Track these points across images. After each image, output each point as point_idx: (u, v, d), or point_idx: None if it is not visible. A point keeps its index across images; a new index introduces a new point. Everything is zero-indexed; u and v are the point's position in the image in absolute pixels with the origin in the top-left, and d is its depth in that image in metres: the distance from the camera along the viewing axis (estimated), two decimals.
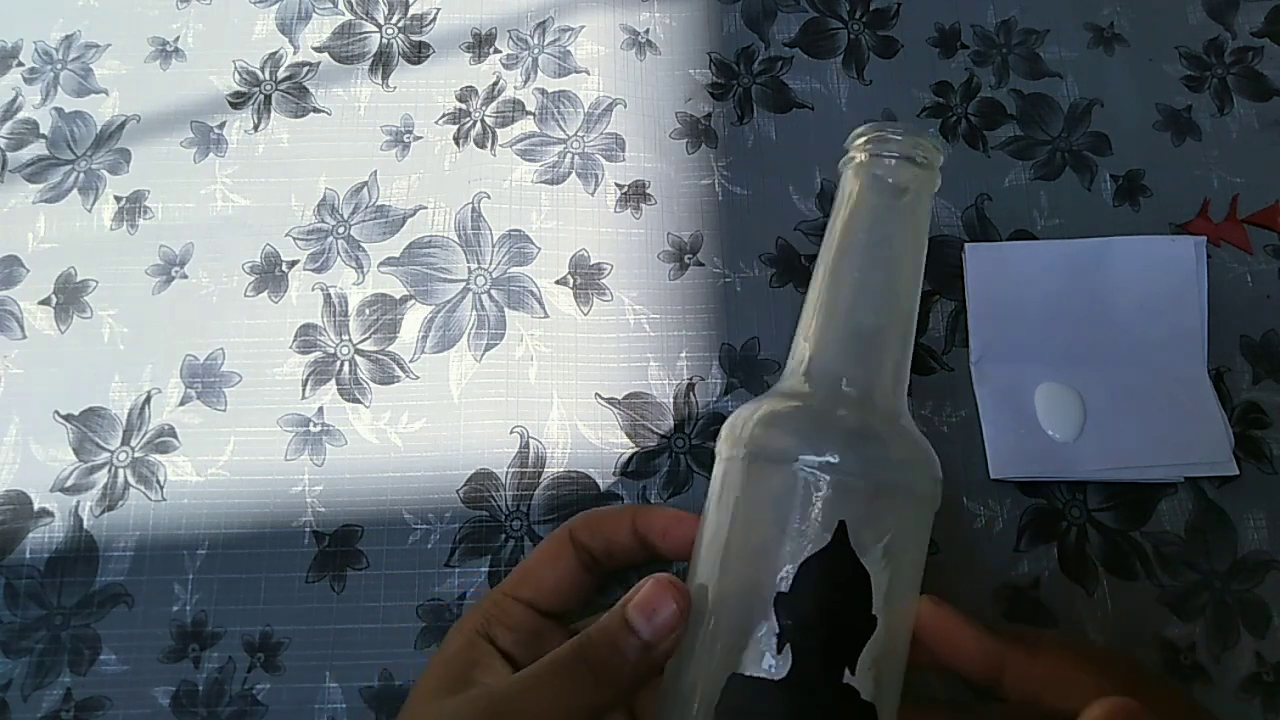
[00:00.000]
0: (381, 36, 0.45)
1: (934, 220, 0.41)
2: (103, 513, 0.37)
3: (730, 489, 0.26)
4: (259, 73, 0.44)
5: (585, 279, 0.41)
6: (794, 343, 0.29)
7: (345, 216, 0.42)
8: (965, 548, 0.37)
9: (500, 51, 0.45)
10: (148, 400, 0.39)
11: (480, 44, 0.45)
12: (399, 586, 0.36)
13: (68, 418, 0.39)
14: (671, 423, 0.38)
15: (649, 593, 0.25)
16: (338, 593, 0.36)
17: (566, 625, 0.31)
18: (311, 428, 0.38)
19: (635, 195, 0.42)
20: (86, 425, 0.38)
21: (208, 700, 0.35)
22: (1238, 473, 0.37)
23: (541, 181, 0.42)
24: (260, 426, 0.38)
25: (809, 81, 0.44)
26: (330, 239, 0.41)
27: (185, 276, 0.41)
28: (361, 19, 0.46)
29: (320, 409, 0.39)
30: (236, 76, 0.44)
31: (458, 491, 0.37)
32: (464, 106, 0.44)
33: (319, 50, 0.45)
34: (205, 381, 0.39)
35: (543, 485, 0.37)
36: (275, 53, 0.45)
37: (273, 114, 0.44)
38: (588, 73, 0.44)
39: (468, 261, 0.41)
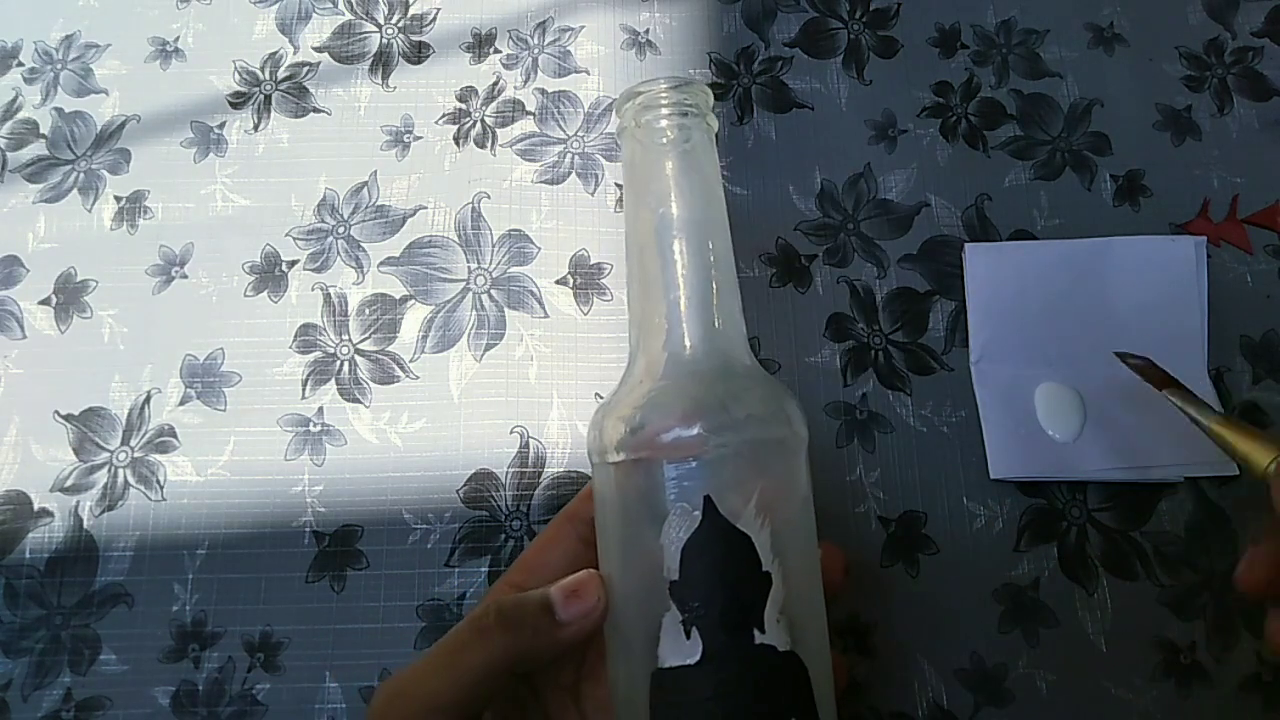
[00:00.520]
0: (381, 36, 0.45)
1: (933, 219, 0.41)
2: (103, 513, 0.37)
3: (602, 494, 0.26)
4: (259, 73, 0.44)
5: (585, 279, 0.41)
6: (629, 332, 0.28)
7: (345, 216, 0.42)
8: (965, 548, 0.37)
9: (500, 51, 0.45)
10: (148, 400, 0.39)
11: (480, 44, 0.45)
12: (399, 586, 0.36)
13: (68, 418, 0.39)
14: None
15: (578, 579, 0.25)
16: (338, 593, 0.36)
17: None
18: (311, 428, 0.38)
19: None
20: (86, 425, 0.38)
21: (208, 700, 0.35)
22: (1238, 473, 0.37)
23: (541, 181, 0.42)
24: (260, 426, 0.38)
25: (809, 81, 0.44)
26: (330, 239, 0.41)
27: (185, 276, 0.41)
28: (361, 19, 0.46)
29: (320, 409, 0.39)
30: (236, 76, 0.44)
31: (458, 491, 0.37)
32: (464, 106, 0.44)
33: (319, 50, 0.45)
34: (205, 381, 0.39)
35: (543, 485, 0.37)
36: (275, 53, 0.45)
37: (273, 114, 0.44)
38: (588, 73, 0.44)
39: (468, 261, 0.41)
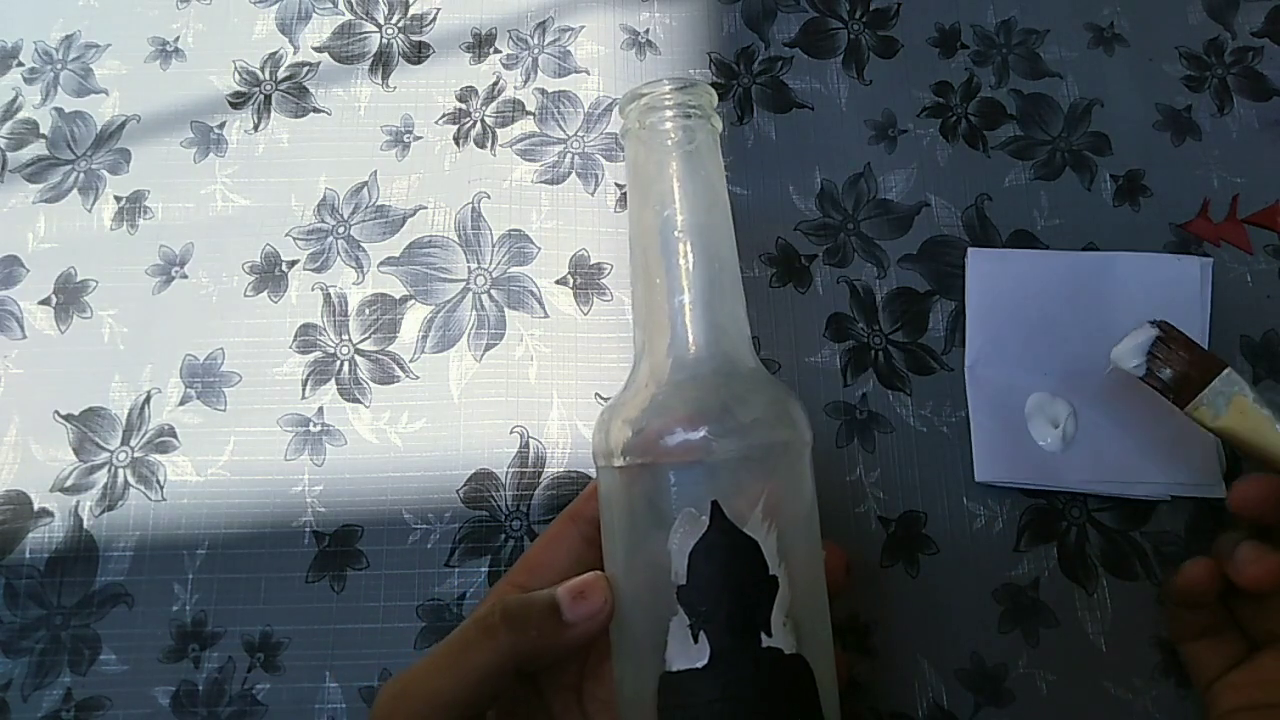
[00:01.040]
0: (381, 36, 0.45)
1: (933, 219, 0.41)
2: (103, 513, 0.37)
3: (608, 497, 0.26)
4: (259, 73, 0.44)
5: (585, 279, 0.41)
6: (634, 335, 0.28)
7: (345, 216, 0.42)
8: (965, 548, 0.37)
9: (500, 51, 0.45)
10: (148, 400, 0.39)
11: (480, 44, 0.45)
12: (399, 586, 0.36)
13: (68, 418, 0.39)
14: None
15: (584, 580, 0.25)
16: (338, 593, 0.36)
17: None
18: (311, 428, 0.38)
19: None
20: (86, 425, 0.38)
21: (208, 700, 0.35)
22: (1224, 495, 0.36)
23: (541, 181, 0.42)
24: (260, 426, 0.38)
25: (809, 81, 0.44)
26: (330, 239, 0.41)
27: (185, 276, 0.41)
28: (361, 19, 0.46)
29: (320, 409, 0.39)
30: (236, 76, 0.44)
31: (458, 491, 0.37)
32: (464, 106, 0.44)
33: (319, 50, 0.45)
34: (205, 381, 0.39)
35: (543, 485, 0.37)
36: (275, 53, 0.45)
37: (273, 114, 0.44)
38: (588, 73, 0.44)
39: (468, 261, 0.41)
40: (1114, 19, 0.45)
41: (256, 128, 0.43)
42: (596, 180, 0.42)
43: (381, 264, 0.41)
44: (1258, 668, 0.31)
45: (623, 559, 0.26)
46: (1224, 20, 0.45)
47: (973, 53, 0.45)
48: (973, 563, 0.37)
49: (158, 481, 0.38)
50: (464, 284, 0.40)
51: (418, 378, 0.39)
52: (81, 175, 0.42)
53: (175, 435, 0.38)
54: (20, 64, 0.45)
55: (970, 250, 0.40)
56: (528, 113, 0.43)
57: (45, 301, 0.40)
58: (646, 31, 0.45)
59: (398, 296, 0.40)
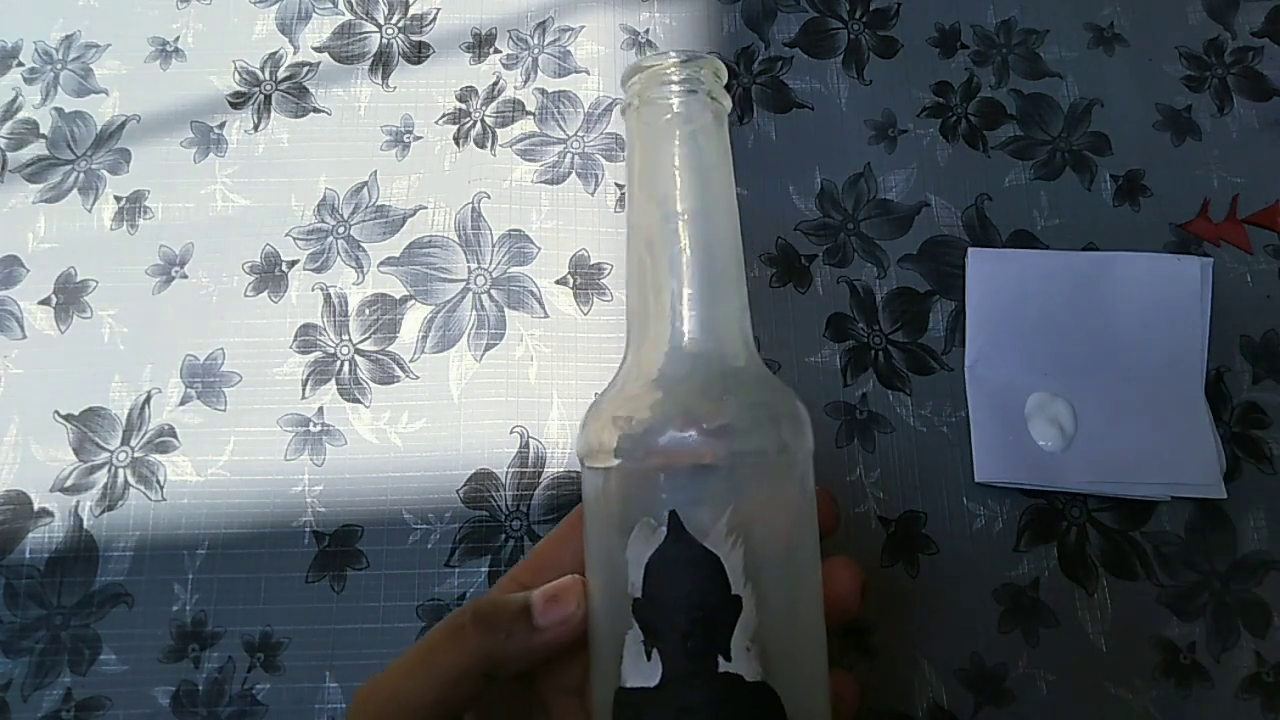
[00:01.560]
0: (381, 36, 0.45)
1: (933, 219, 0.41)
2: (103, 513, 0.37)
3: (585, 498, 0.25)
4: (259, 73, 0.44)
5: (585, 279, 0.41)
6: (626, 331, 0.27)
7: (345, 216, 0.42)
8: (965, 548, 0.37)
9: (500, 51, 0.45)
10: (148, 400, 0.39)
11: (480, 44, 0.45)
12: (399, 586, 0.36)
13: (68, 418, 0.39)
14: None
15: (560, 584, 0.25)
16: (338, 593, 0.36)
17: None
18: (311, 428, 0.38)
19: None
20: (86, 425, 0.38)
21: (208, 700, 0.35)
22: (1225, 496, 0.37)
23: (541, 181, 0.42)
24: (260, 426, 0.38)
25: (809, 81, 0.44)
26: (330, 239, 0.41)
27: (185, 276, 0.41)
28: (361, 19, 0.46)
29: (320, 409, 0.39)
30: (236, 76, 0.44)
31: (458, 491, 0.37)
32: (464, 106, 0.44)
33: (319, 50, 0.45)
34: (205, 381, 0.39)
35: (543, 485, 0.37)
36: (275, 53, 0.45)
37: (273, 114, 0.44)
38: (588, 73, 0.44)
39: (468, 261, 0.41)
40: (1114, 19, 0.45)
41: (256, 128, 0.43)
42: (596, 180, 0.42)
43: (381, 264, 0.41)
44: None
45: (591, 564, 0.24)
46: (1224, 20, 0.45)
47: (973, 53, 0.45)
48: (973, 563, 0.37)
49: (158, 481, 0.38)
50: (464, 284, 0.40)
51: (418, 378, 0.39)
52: (81, 175, 0.42)
53: (175, 435, 0.38)
54: (20, 64, 0.45)
55: (970, 250, 0.40)
56: (528, 113, 0.43)
57: (45, 301, 0.40)
58: (646, 31, 0.45)
59: (398, 296, 0.40)
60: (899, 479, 0.38)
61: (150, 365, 0.39)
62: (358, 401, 0.39)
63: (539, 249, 0.41)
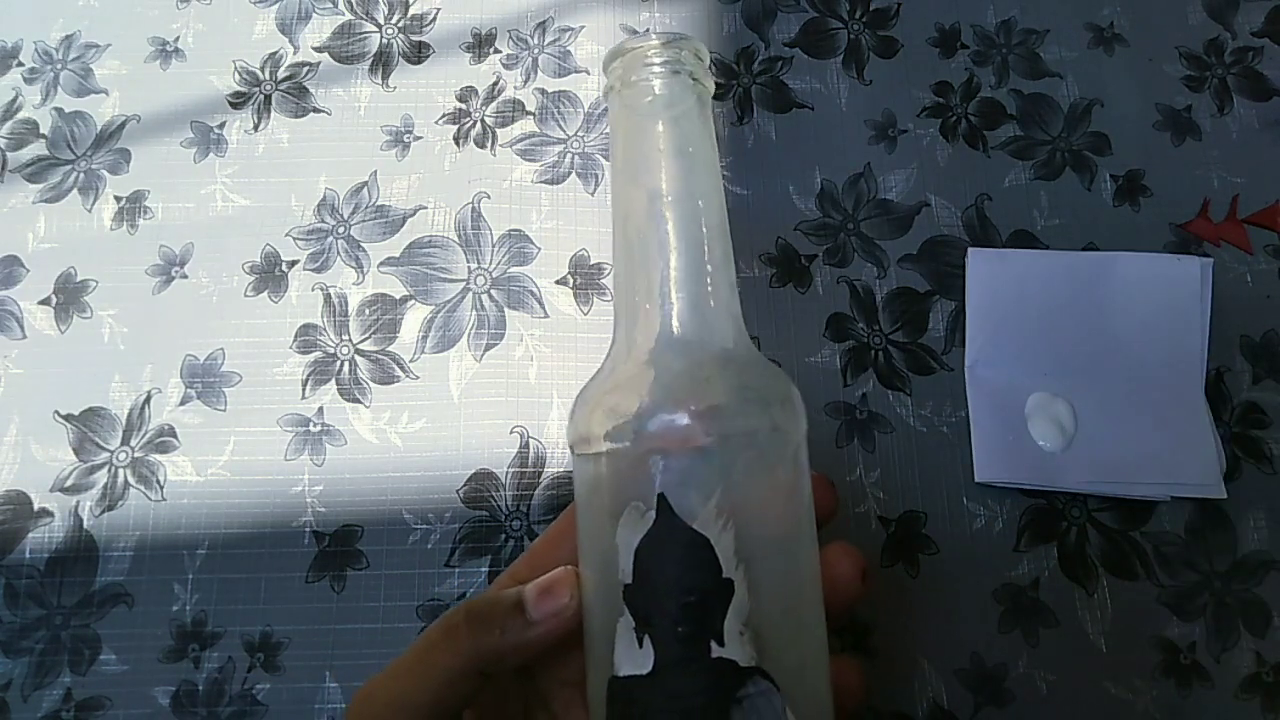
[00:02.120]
0: (381, 36, 0.45)
1: (933, 219, 0.41)
2: (103, 513, 0.37)
3: (576, 486, 0.25)
4: (259, 73, 0.44)
5: (585, 279, 0.41)
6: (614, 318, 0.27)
7: (345, 216, 0.42)
8: (965, 548, 0.37)
9: (500, 51, 0.45)
10: (148, 400, 0.39)
11: (480, 44, 0.45)
12: (399, 586, 0.36)
13: (68, 418, 0.39)
14: None
15: (552, 576, 0.24)
16: (338, 593, 0.36)
17: None
18: (311, 428, 0.38)
19: None
20: (86, 425, 0.38)
21: (208, 700, 0.35)
22: (1225, 496, 0.37)
23: (541, 181, 0.42)
24: (260, 426, 0.38)
25: (809, 81, 0.44)
26: (330, 239, 0.41)
27: (185, 276, 0.41)
28: (361, 19, 0.46)
29: (320, 409, 0.39)
30: (236, 76, 0.44)
31: (458, 491, 0.37)
32: (464, 106, 0.44)
33: (319, 50, 0.45)
34: (205, 381, 0.39)
35: (543, 485, 0.37)
36: (275, 53, 0.45)
37: (273, 114, 0.44)
38: (588, 73, 0.44)
39: (468, 261, 0.41)
40: (1114, 19, 0.45)
41: (256, 128, 0.43)
42: (596, 180, 0.42)
43: (381, 264, 0.41)
44: None
45: (583, 552, 0.24)
46: (1224, 20, 0.45)
47: (973, 53, 0.45)
48: (973, 563, 0.37)
49: (158, 481, 0.38)
50: (464, 284, 0.40)
51: (418, 378, 0.39)
52: (81, 175, 0.42)
53: (175, 435, 0.38)
54: (20, 64, 0.45)
55: (970, 250, 0.40)
56: (528, 113, 0.43)
57: (45, 301, 0.40)
58: (647, 31, 0.45)
59: (398, 296, 0.40)
60: (899, 479, 0.38)
61: (150, 365, 0.39)
62: (358, 401, 0.39)
63: (539, 249, 0.41)
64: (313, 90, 0.44)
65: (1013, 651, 0.35)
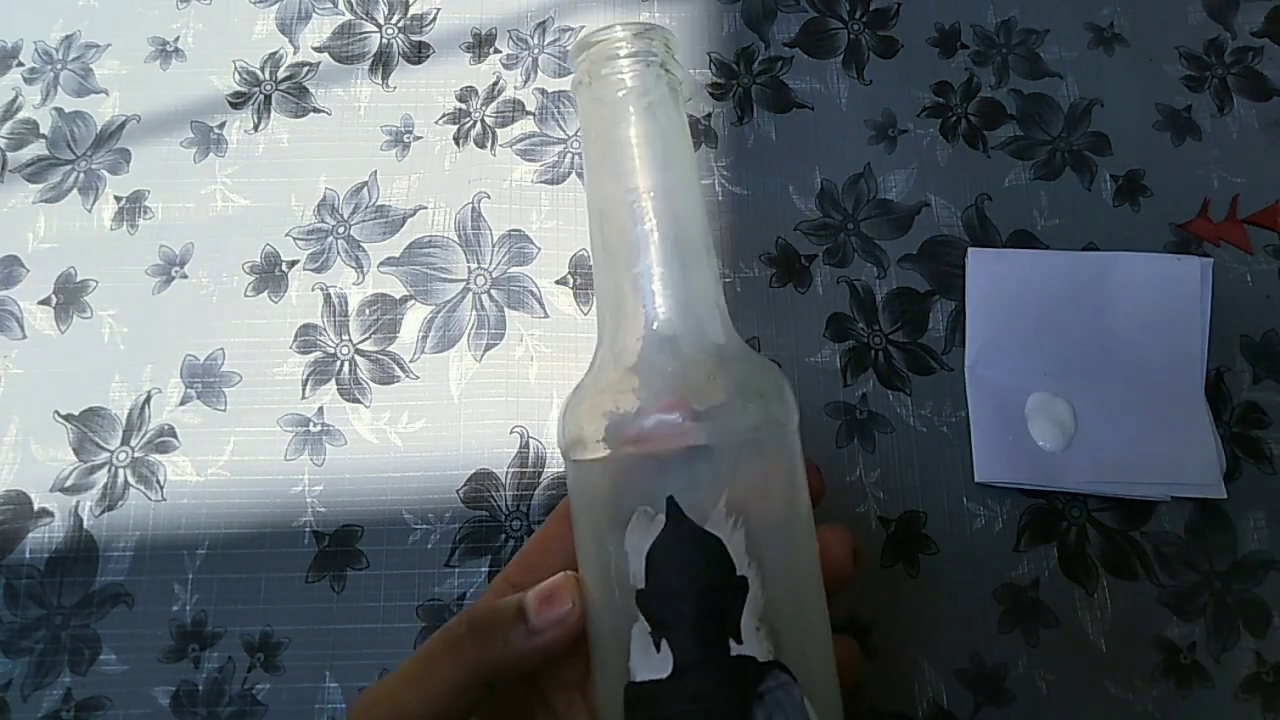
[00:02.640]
0: (381, 36, 0.45)
1: (933, 219, 0.41)
2: (103, 513, 0.37)
3: (571, 491, 0.24)
4: (259, 73, 0.44)
5: (585, 279, 0.41)
6: (597, 316, 0.26)
7: (345, 216, 0.42)
8: (965, 548, 0.37)
9: (500, 51, 0.45)
10: (148, 400, 0.39)
11: (480, 44, 0.45)
12: (399, 586, 0.36)
13: (68, 418, 0.39)
14: None
15: (553, 583, 0.24)
16: (338, 593, 0.36)
17: None
18: (311, 428, 0.38)
19: None
20: (86, 425, 0.38)
21: (208, 700, 0.35)
22: (1225, 496, 0.37)
23: (541, 181, 0.42)
24: (260, 426, 0.38)
25: (809, 81, 0.44)
26: (330, 239, 0.41)
27: (185, 276, 0.41)
28: (361, 19, 0.46)
29: (320, 409, 0.39)
30: (236, 76, 0.44)
31: (458, 491, 0.37)
32: (464, 106, 0.44)
33: (319, 50, 0.45)
34: (205, 381, 0.39)
35: (543, 485, 0.37)
36: (275, 53, 0.45)
37: (273, 114, 0.44)
38: None
39: (468, 261, 0.41)
40: (1114, 19, 0.45)
41: (256, 128, 0.43)
42: None
43: (381, 264, 0.41)
44: None
45: (586, 559, 0.24)
46: (1224, 20, 0.45)
47: (973, 53, 0.45)
48: (973, 563, 0.37)
49: (158, 481, 0.38)
50: (464, 284, 0.40)
51: (418, 378, 0.39)
52: (81, 175, 0.42)
53: (175, 435, 0.38)
54: (20, 64, 0.45)
55: (970, 250, 0.40)
56: (528, 113, 0.43)
57: (45, 301, 0.40)
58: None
59: (398, 296, 0.40)
60: (899, 479, 0.38)
61: (150, 365, 0.39)
62: (358, 401, 0.39)
63: (539, 249, 0.41)
64: (313, 90, 0.44)
65: (1013, 651, 0.35)
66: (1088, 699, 0.35)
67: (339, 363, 0.39)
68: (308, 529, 0.37)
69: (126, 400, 0.39)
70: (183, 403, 0.39)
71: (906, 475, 0.38)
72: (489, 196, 0.42)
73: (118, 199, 0.42)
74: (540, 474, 0.38)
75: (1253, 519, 0.37)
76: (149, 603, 0.36)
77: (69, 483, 0.38)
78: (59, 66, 0.45)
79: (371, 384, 0.39)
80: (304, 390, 0.39)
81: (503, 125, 0.43)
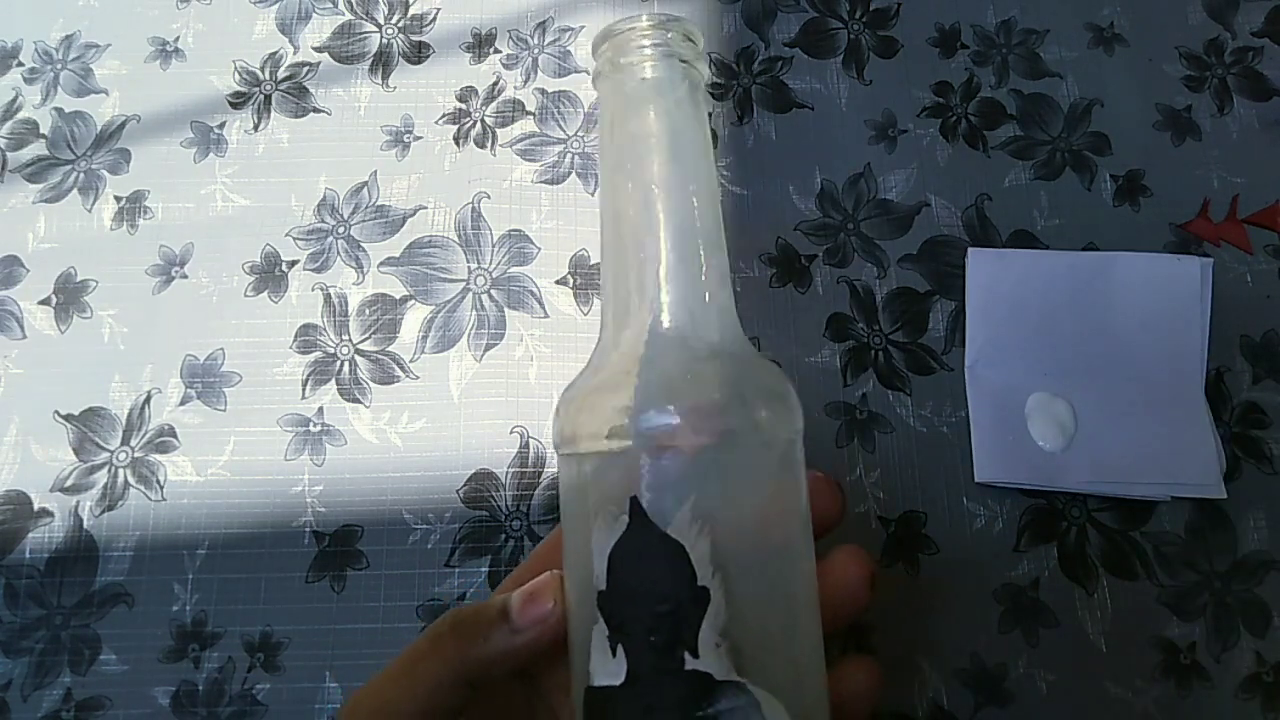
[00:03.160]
0: (381, 36, 0.45)
1: (933, 219, 0.41)
2: (103, 513, 0.37)
3: (560, 491, 0.24)
4: (259, 73, 0.44)
5: (585, 279, 0.41)
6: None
7: (345, 216, 0.42)
8: (965, 548, 0.37)
9: (500, 51, 0.45)
10: (148, 400, 0.39)
11: (480, 44, 0.45)
12: (399, 586, 0.36)
13: (68, 418, 0.39)
14: None
15: (537, 582, 0.24)
16: (338, 593, 0.36)
17: None
18: (311, 428, 0.38)
19: None
20: (86, 425, 0.38)
21: (208, 700, 0.35)
22: (1225, 496, 0.37)
23: (541, 181, 0.42)
24: (260, 426, 0.38)
25: (809, 81, 0.44)
26: (330, 239, 0.41)
27: (185, 276, 0.41)
28: (361, 19, 0.46)
29: (320, 409, 0.39)
30: (236, 76, 0.44)
31: (458, 491, 0.37)
32: (464, 106, 0.44)
33: (319, 50, 0.45)
34: (205, 381, 0.39)
35: (543, 485, 0.37)
36: (275, 53, 0.45)
37: (273, 114, 0.44)
38: (588, 73, 0.44)
39: (468, 261, 0.41)
40: (1114, 19, 0.45)
41: (256, 128, 0.43)
42: (597, 180, 0.42)
43: (381, 264, 0.41)
44: None
45: (565, 557, 0.23)
46: (1224, 20, 0.45)
47: (973, 53, 0.45)
48: (973, 563, 0.37)
49: (158, 481, 0.38)
50: (464, 284, 0.40)
51: (418, 378, 0.39)
52: (81, 175, 0.42)
53: (175, 435, 0.38)
54: (20, 64, 0.45)
55: (970, 250, 0.40)
56: (528, 113, 0.43)
57: (45, 301, 0.40)
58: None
59: (398, 296, 0.40)
60: (899, 479, 0.38)
61: (150, 365, 0.39)
62: (358, 401, 0.39)
63: (539, 249, 0.41)
64: (313, 90, 0.44)
65: (1013, 651, 0.35)
66: (1088, 699, 0.35)
67: (339, 363, 0.39)
68: (308, 529, 0.37)
69: (126, 400, 0.39)
70: (183, 403, 0.39)
71: (906, 475, 0.38)
72: (489, 196, 0.42)
73: (118, 199, 0.42)
74: (540, 474, 0.38)
75: (1253, 519, 0.37)
76: (149, 603, 0.36)
77: (69, 483, 0.38)
78: (59, 66, 0.45)
79: (371, 384, 0.39)
80: (304, 390, 0.39)
81: (503, 125, 0.43)
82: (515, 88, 0.44)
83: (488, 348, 0.39)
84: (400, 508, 0.37)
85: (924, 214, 0.42)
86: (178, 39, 0.45)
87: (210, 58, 0.45)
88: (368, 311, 0.40)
